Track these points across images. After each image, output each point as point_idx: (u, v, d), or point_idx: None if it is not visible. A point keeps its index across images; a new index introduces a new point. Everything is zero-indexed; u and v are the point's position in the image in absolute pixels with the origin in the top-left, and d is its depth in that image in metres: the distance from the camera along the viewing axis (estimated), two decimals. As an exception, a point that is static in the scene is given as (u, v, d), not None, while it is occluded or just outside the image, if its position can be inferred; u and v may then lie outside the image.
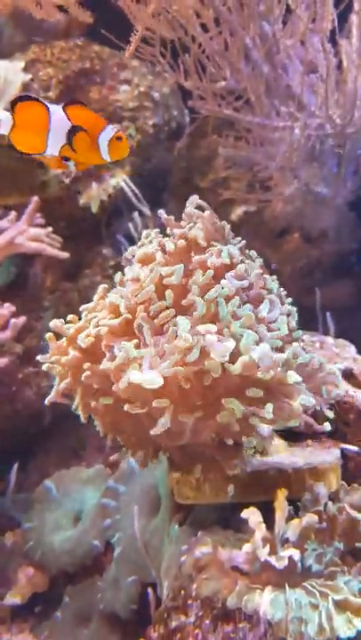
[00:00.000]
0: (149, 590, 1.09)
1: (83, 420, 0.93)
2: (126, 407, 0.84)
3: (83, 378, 0.87)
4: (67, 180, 1.73)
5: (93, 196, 1.74)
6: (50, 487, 1.37)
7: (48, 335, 0.94)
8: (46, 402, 0.95)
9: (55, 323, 0.93)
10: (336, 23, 1.44)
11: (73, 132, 0.90)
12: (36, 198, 1.54)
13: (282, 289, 1.00)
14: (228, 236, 1.02)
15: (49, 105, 0.91)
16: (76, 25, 1.91)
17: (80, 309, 0.95)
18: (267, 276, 0.93)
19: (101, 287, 0.96)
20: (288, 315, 0.92)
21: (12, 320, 1.37)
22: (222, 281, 0.86)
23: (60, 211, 1.78)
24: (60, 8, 1.59)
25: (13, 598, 1.25)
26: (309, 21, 1.36)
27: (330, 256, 1.91)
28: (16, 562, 1.31)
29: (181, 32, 1.49)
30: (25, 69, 1.74)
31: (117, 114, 1.82)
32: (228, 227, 0.99)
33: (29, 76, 1.73)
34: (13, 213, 1.54)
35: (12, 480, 1.44)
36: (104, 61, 1.84)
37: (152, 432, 0.82)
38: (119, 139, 0.91)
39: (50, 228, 1.59)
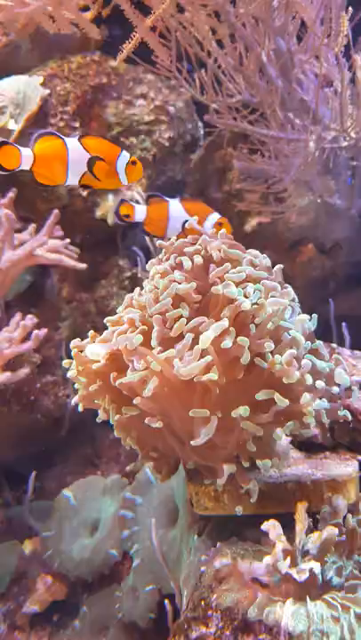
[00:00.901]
0: (166, 601, 1.10)
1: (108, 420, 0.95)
2: (147, 420, 0.85)
3: (113, 383, 0.88)
4: (84, 193, 1.76)
5: (110, 208, 1.77)
6: (68, 496, 1.39)
7: (73, 345, 0.96)
8: (72, 402, 0.97)
9: (75, 342, 0.95)
10: (351, 37, 1.46)
11: (92, 161, 0.96)
12: (56, 211, 1.57)
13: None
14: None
15: (65, 138, 0.97)
16: (93, 38, 1.94)
17: (105, 321, 0.97)
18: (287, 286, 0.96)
19: (128, 297, 0.98)
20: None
21: (35, 331, 1.40)
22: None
23: (77, 222, 1.81)
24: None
25: (32, 606, 1.26)
26: (324, 36, 1.38)
27: (344, 266, 1.92)
28: (35, 570, 1.32)
29: (197, 47, 1.51)
30: (43, 84, 1.77)
31: (134, 128, 1.85)
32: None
33: (47, 91, 1.76)
34: (33, 226, 1.57)
35: (29, 488, 1.46)
36: (120, 76, 1.87)
37: (193, 443, 0.83)
38: (134, 163, 0.98)
39: (68, 240, 1.62)
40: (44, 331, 1.41)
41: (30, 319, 1.40)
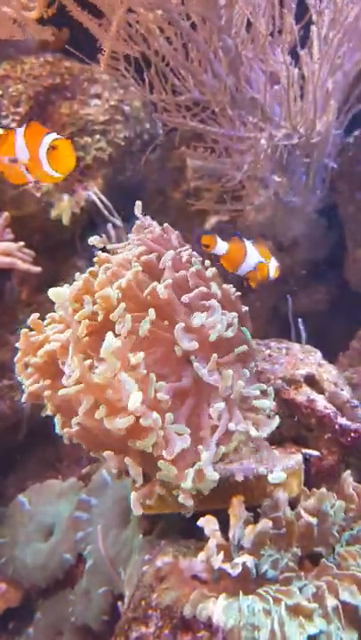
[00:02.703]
0: (120, 603, 1.09)
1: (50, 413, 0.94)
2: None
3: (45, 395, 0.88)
4: (38, 194, 1.74)
5: (64, 208, 1.75)
6: (22, 501, 1.36)
7: (23, 331, 0.95)
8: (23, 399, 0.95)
9: (34, 320, 0.94)
10: (299, 35, 1.47)
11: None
12: (5, 214, 1.55)
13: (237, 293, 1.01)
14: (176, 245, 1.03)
15: (17, 130, 0.90)
16: (52, 41, 1.93)
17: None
18: (213, 283, 0.94)
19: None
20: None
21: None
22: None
23: (35, 224, 1.79)
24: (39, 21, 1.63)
25: (-14, 615, 1.24)
26: (268, 34, 1.39)
27: (303, 263, 1.93)
28: (-11, 578, 1.30)
29: (145, 46, 1.51)
30: (-5, 86, 1.75)
31: (88, 128, 1.83)
32: (174, 235, 1.01)
33: (-1, 92, 1.74)
34: (-17, 229, 1.55)
35: (-15, 495, 1.44)
36: (74, 76, 1.86)
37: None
38: (54, 147, 0.84)
39: (22, 243, 1.60)
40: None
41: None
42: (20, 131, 0.91)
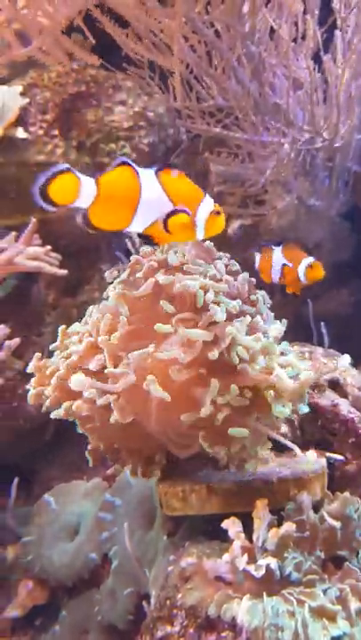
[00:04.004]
0: (145, 603, 1.11)
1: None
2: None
3: (74, 408, 0.91)
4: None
5: (90, 214, 1.78)
6: (49, 501, 1.39)
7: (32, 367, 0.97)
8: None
9: (35, 363, 0.97)
10: (322, 40, 1.47)
11: (174, 214, 0.75)
12: (34, 220, 1.58)
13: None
14: (214, 253, 1.04)
15: (139, 170, 0.76)
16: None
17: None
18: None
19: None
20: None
21: (6, 342, 1.41)
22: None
23: (62, 229, 1.82)
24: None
25: (13, 611, 1.27)
26: (291, 39, 1.40)
27: (326, 267, 1.93)
28: (17, 575, 1.33)
29: (169, 54, 1.53)
30: (22, 94, 1.80)
31: (113, 134, 1.87)
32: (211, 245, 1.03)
33: (26, 100, 1.78)
34: (12, 234, 1.59)
35: (12, 494, 1.47)
36: (99, 84, 1.90)
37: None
38: (218, 213, 0.77)
39: (49, 247, 1.63)
40: (15, 340, 1.43)
41: (2, 329, 1.42)
42: (149, 175, 0.75)
